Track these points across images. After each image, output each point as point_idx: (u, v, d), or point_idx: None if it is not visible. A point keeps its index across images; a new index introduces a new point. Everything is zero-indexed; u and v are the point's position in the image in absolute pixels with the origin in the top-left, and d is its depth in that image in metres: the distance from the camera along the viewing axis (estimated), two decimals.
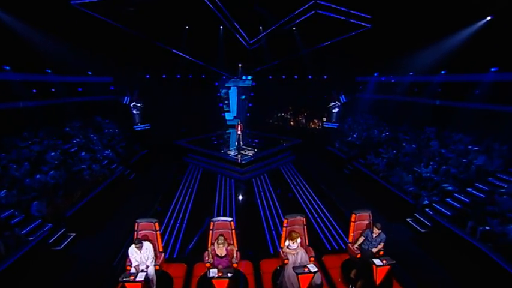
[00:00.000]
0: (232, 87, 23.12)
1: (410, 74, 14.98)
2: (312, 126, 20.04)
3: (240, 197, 11.32)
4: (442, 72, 12.95)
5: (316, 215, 9.61)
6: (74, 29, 12.86)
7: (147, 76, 17.82)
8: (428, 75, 13.72)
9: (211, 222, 5.91)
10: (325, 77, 18.73)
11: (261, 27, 16.28)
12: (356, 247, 6.04)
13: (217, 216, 9.34)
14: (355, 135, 16.57)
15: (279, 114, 21.89)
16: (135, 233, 5.81)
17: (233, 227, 5.93)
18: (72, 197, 9.23)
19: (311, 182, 12.53)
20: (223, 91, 23.02)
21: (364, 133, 16.22)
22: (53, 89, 13.81)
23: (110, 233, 8.40)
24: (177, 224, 8.98)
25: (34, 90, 12.65)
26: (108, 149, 13.83)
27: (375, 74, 17.45)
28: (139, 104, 16.91)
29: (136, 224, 5.84)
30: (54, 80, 13.69)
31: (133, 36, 14.47)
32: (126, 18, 14.05)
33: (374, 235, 5.93)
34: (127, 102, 16.55)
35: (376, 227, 5.87)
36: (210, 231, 5.91)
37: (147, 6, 13.56)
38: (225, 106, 23.50)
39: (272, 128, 20.93)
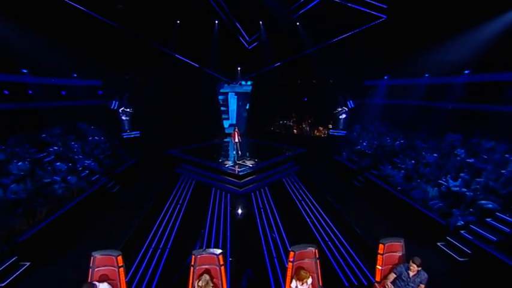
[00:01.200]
0: (230, 93, 21.88)
1: (426, 75, 13.70)
2: (317, 134, 18.69)
3: (237, 215, 9.84)
4: (466, 72, 11.63)
5: (327, 239, 8.11)
6: (57, 24, 11.75)
7: (137, 80, 16.57)
8: (449, 76, 12.42)
9: (193, 256, 4.47)
10: (331, 80, 17.44)
11: (261, 22, 14.94)
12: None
13: (206, 243, 7.92)
14: (365, 144, 15.19)
15: (280, 122, 20.58)
16: (90, 270, 4.37)
17: (222, 263, 4.47)
18: (35, 215, 7.81)
19: (318, 197, 11.07)
20: (221, 97, 21.78)
21: (375, 141, 14.83)
22: (30, 91, 12.56)
23: (76, 261, 6.93)
24: (157, 253, 7.46)
25: (6, 92, 11.40)
26: (91, 159, 12.48)
27: (385, 77, 16.20)
28: (128, 110, 15.64)
29: (92, 258, 4.40)
30: (31, 81, 12.45)
31: (122, 34, 13.33)
32: (116, 14, 12.98)
33: (411, 274, 4.46)
34: (115, 108, 15.29)
35: (414, 263, 4.42)
36: (191, 268, 4.46)
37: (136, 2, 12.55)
38: (223, 114, 22.26)
39: (273, 137, 19.60)
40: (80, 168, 11.53)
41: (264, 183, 12.32)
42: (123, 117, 15.70)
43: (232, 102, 22.34)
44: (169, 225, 9.01)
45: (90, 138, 14.17)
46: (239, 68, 19.53)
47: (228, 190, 11.59)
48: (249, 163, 13.58)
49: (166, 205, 10.37)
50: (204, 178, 12.89)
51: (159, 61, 15.78)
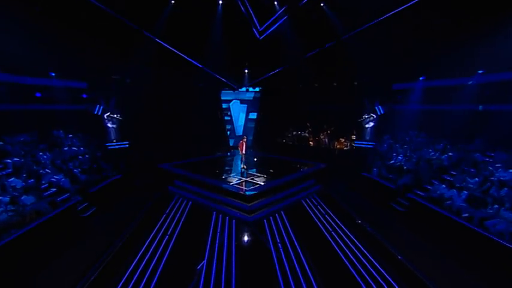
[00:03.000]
0: (234, 101, 19.72)
1: (480, 72, 11.37)
2: (338, 146, 16.24)
3: (245, 251, 7.29)
4: None
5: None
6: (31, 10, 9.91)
7: (127, 80, 14.47)
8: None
9: None
10: (356, 82, 15.14)
11: (276, 3, 12.47)
12: None
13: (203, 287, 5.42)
14: (400, 157, 12.67)
15: (294, 133, 18.22)
16: None
17: None
18: None
19: (352, 225, 8.51)
20: (225, 105, 19.64)
21: (414, 154, 12.31)
22: None
23: None
24: None
25: None
26: (62, 173, 10.18)
27: (421, 78, 13.89)
28: (115, 116, 13.50)
29: None
30: None
31: (110, 19, 11.29)
32: None
33: None
34: (99, 113, 13.16)
35: None
36: None
37: None
38: (227, 124, 20.05)
39: (285, 150, 17.23)
40: (45, 186, 9.22)
41: (279, 206, 9.79)
42: (109, 125, 13.53)
43: (237, 111, 20.15)
44: (154, 261, 6.61)
45: (66, 149, 11.92)
46: (246, 71, 17.46)
47: (233, 215, 9.07)
48: (259, 180, 11.12)
49: (152, 233, 7.92)
50: (202, 199, 10.42)
51: (154, 59, 13.68)
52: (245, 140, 12.89)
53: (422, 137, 13.54)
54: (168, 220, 8.88)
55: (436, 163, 11.00)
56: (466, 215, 7.75)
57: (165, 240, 7.65)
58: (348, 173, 13.45)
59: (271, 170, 12.93)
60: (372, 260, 6.71)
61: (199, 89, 17.64)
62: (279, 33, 13.07)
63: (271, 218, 8.95)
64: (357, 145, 14.63)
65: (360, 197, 11.40)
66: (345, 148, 16.03)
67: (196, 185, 11.16)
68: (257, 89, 19.25)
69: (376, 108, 14.08)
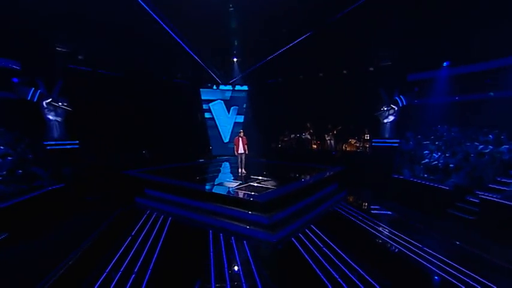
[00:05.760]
0: (217, 101, 16.67)
1: None
2: (349, 149, 13.67)
3: None
4: None
5: None
6: None
7: (80, 57, 10.79)
8: None
9: None
10: (371, 68, 12.79)
11: None
12: None
13: None
14: (435, 155, 10.33)
15: (292, 135, 15.44)
16: None
17: None
18: None
19: (422, 239, 5.65)
20: (205, 106, 16.51)
21: (458, 149, 10.01)
22: None
23: None
24: None
25: None
26: None
27: (445, 64, 12.00)
28: (60, 105, 9.84)
29: None
30: None
31: None
32: None
33: None
34: (35, 99, 9.45)
35: None
36: None
37: None
38: (209, 129, 16.82)
39: (281, 156, 14.34)
40: None
41: (306, 218, 6.67)
42: (51, 117, 9.80)
43: (221, 113, 17.07)
44: None
45: None
46: (235, 60, 14.61)
47: (242, 234, 5.81)
48: (269, 184, 8.00)
49: (105, 272, 4.43)
50: (189, 212, 7.01)
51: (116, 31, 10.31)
52: (242, 135, 9.84)
53: (455, 132, 11.40)
54: (135, 247, 5.39)
55: (497, 157, 8.69)
56: None
57: (130, 282, 4.21)
58: (371, 176, 10.84)
59: (280, 175, 9.89)
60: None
61: (177, 84, 14.53)
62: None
63: (300, 235, 5.80)
64: (376, 144, 12.12)
65: (401, 203, 8.69)
66: (359, 149, 13.47)
67: (178, 193, 7.74)
68: (245, 87, 16.47)
69: (397, 98, 11.82)
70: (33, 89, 9.47)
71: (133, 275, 4.41)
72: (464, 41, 10.70)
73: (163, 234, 5.89)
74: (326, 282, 4.19)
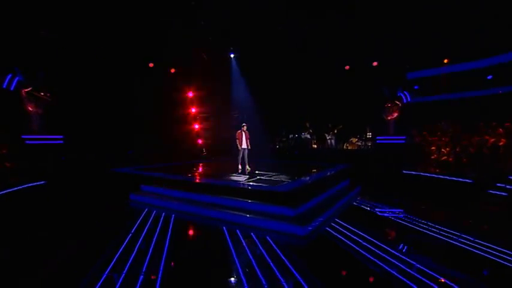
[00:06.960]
0: None
1: None
2: (350, 147, 13.13)
3: None
4: None
5: None
6: None
7: (65, 40, 9.47)
8: None
9: None
10: (375, 63, 12.34)
11: None
12: None
13: None
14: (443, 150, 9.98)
15: (290, 136, 14.75)
16: None
17: None
18: None
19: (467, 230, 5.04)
20: None
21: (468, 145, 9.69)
22: None
23: None
24: None
25: None
26: None
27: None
28: (42, 94, 8.71)
29: None
30: None
31: None
32: None
33: None
34: (12, 88, 8.30)
35: None
36: None
37: None
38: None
39: (284, 156, 13.61)
40: None
41: (331, 211, 5.91)
42: (31, 108, 8.65)
43: None
44: None
45: None
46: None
47: (262, 228, 4.97)
48: (282, 178, 7.22)
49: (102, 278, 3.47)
50: (196, 207, 6.08)
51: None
52: (245, 129, 9.03)
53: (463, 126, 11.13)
54: (134, 250, 4.40)
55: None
56: None
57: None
58: (380, 173, 10.32)
59: (288, 170, 9.12)
60: None
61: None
62: None
63: (331, 231, 5.03)
64: (380, 141, 11.65)
65: (421, 198, 8.11)
66: (361, 148, 12.99)
67: (183, 188, 6.80)
68: None
69: (401, 94, 11.49)
70: (10, 76, 8.32)
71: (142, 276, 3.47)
72: (464, 40, 10.59)
73: (168, 236, 4.91)
74: (383, 278, 3.44)
